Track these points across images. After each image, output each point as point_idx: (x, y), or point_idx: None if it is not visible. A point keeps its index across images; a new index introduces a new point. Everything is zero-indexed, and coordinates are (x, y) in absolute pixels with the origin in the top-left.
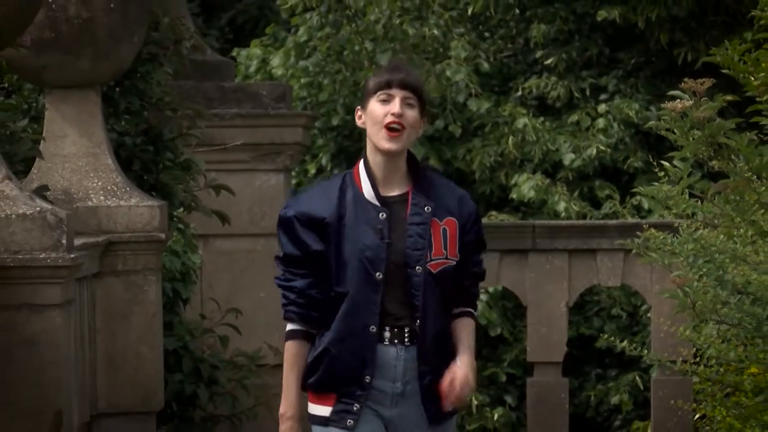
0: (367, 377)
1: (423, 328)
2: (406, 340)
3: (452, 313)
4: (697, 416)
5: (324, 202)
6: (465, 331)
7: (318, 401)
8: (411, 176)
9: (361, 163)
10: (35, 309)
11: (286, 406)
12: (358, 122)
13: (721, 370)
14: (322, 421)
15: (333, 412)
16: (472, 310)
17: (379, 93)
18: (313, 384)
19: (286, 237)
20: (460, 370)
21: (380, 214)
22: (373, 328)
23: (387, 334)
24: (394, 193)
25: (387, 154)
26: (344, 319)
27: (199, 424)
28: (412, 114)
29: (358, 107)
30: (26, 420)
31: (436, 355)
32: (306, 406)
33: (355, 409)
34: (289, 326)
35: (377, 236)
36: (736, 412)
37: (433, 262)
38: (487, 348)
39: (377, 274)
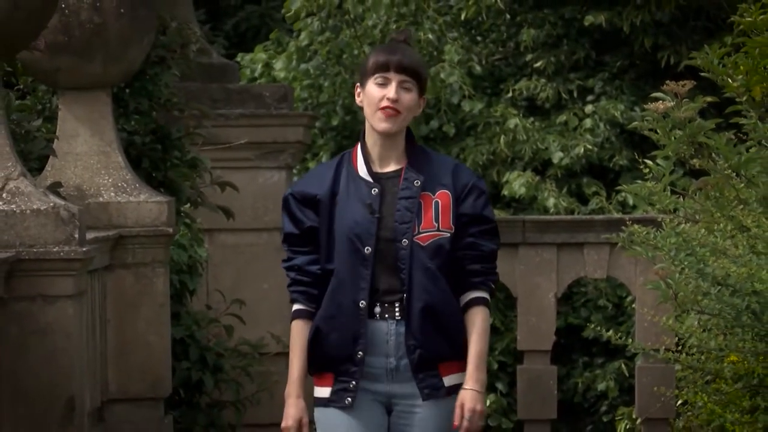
0: (360, 353)
1: (409, 302)
2: (397, 314)
3: (463, 301)
4: (679, 402)
5: (319, 180)
6: (475, 330)
7: (319, 383)
8: (408, 153)
9: (359, 143)
10: (49, 300)
11: (288, 385)
12: (357, 100)
13: (702, 358)
14: (323, 402)
15: (332, 392)
16: (484, 295)
17: (376, 75)
18: (312, 365)
19: (286, 216)
20: (468, 402)
21: (372, 190)
22: (362, 303)
23: (378, 309)
24: (390, 169)
25: (383, 134)
26: (332, 296)
27: (205, 409)
28: (408, 97)
29: (357, 84)
30: (40, 405)
31: (425, 329)
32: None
33: (351, 386)
34: (294, 306)
35: (367, 211)
36: (716, 398)
37: (422, 235)
38: None
39: (366, 249)
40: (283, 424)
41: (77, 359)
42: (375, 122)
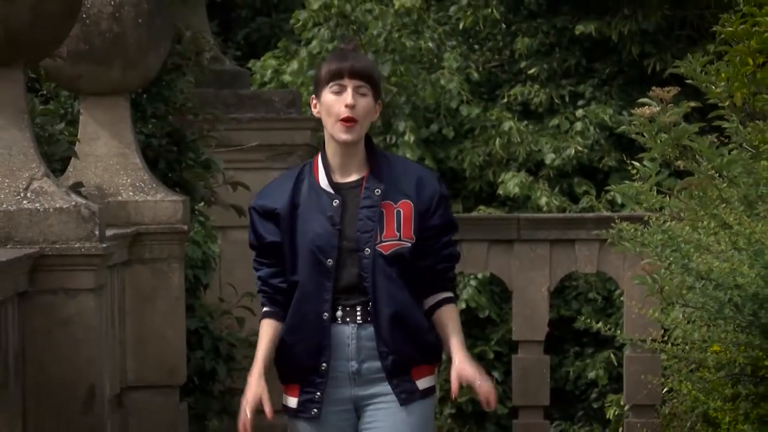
0: (324, 364)
1: (376, 309)
2: (358, 318)
3: (432, 302)
4: (665, 390)
5: (278, 193)
6: (452, 321)
7: (287, 392)
8: (369, 161)
9: (320, 153)
10: (71, 293)
11: (252, 368)
12: (314, 111)
13: (687, 348)
14: (292, 413)
15: (299, 403)
16: (452, 295)
17: (331, 84)
18: (280, 376)
19: (250, 227)
20: (469, 369)
21: (333, 202)
22: (326, 315)
23: (339, 314)
24: (351, 179)
25: (343, 144)
26: (297, 308)
27: (217, 396)
28: (364, 102)
29: (313, 96)
30: (63, 392)
31: (395, 335)
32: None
33: (317, 397)
34: (264, 308)
35: (328, 223)
36: (700, 386)
37: (384, 244)
38: (476, 328)
39: (328, 261)
40: (242, 401)
41: (97, 349)
42: (335, 133)
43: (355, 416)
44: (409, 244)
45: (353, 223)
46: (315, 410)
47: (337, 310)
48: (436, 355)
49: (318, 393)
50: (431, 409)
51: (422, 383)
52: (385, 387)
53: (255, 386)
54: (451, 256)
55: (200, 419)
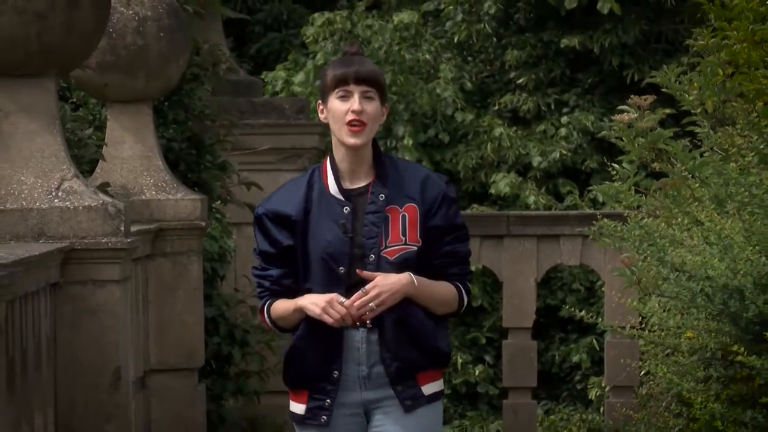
0: (336, 372)
1: (380, 316)
2: (368, 322)
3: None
4: (642, 372)
5: (291, 199)
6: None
7: (294, 398)
8: (376, 166)
9: (328, 158)
10: (98, 284)
11: (296, 305)
12: (321, 117)
13: (662, 334)
14: (299, 419)
15: (307, 410)
16: (459, 285)
17: (337, 90)
18: (287, 381)
19: (260, 234)
20: (386, 277)
21: (344, 209)
22: None
23: None
24: (360, 185)
25: (351, 148)
26: (309, 315)
27: (233, 378)
28: (371, 107)
29: (319, 102)
30: (90, 375)
31: (400, 340)
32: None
33: (327, 404)
34: (266, 303)
35: (340, 231)
36: (674, 369)
37: (389, 249)
38: (469, 316)
39: (340, 269)
40: (319, 306)
41: (123, 335)
42: (343, 137)
43: (365, 420)
44: (415, 248)
45: (361, 229)
46: (324, 417)
47: None
48: (442, 360)
49: (328, 400)
50: (438, 413)
51: (428, 388)
52: (390, 392)
53: (310, 296)
54: (451, 253)
55: (217, 399)
